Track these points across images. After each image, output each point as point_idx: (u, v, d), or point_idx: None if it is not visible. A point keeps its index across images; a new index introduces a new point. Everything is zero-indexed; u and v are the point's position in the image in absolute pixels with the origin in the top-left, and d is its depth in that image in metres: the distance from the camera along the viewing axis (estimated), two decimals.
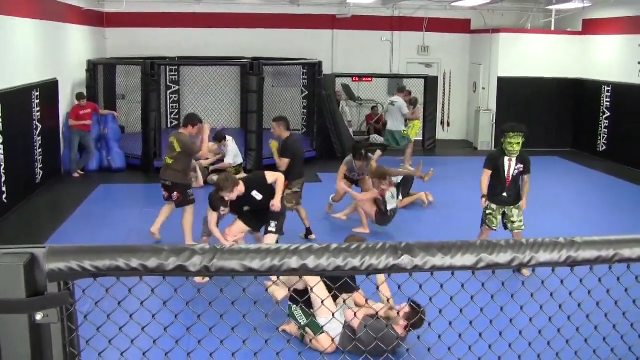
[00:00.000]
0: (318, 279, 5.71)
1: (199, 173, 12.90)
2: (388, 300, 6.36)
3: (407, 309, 5.95)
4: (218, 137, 13.42)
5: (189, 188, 9.38)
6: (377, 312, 6.18)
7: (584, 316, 2.27)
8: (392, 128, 15.31)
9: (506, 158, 8.46)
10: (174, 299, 2.15)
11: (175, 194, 9.19)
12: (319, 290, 5.80)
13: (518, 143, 8.35)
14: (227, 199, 7.96)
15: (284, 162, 9.33)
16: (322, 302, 5.87)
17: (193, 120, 9.46)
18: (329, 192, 11.46)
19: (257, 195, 8.12)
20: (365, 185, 10.78)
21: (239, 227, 8.38)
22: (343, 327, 6.08)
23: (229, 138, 13.70)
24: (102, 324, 1.87)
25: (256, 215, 8.39)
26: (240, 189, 7.94)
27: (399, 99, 15.37)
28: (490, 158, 8.70)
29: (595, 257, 1.71)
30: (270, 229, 8.28)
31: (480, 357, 2.17)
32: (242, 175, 11.28)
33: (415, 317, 5.74)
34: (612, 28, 17.13)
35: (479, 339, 2.20)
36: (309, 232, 9.88)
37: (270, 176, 8.20)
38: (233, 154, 13.74)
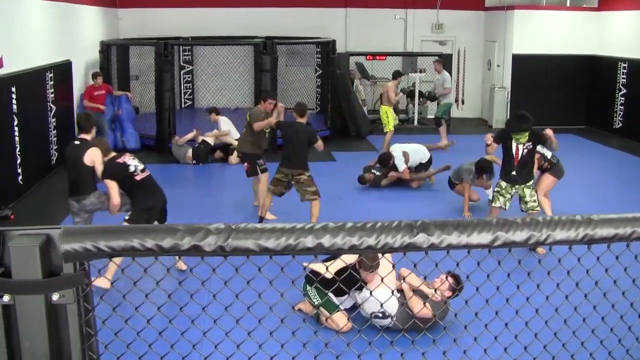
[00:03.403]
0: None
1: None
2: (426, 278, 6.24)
3: (450, 279, 5.88)
4: (212, 110, 13.95)
5: (258, 158, 9.47)
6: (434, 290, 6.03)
7: (600, 294, 2.25)
8: (450, 100, 15.98)
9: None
10: (188, 279, 2.16)
11: (245, 164, 9.37)
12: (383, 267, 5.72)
13: (525, 137, 8.32)
14: None
15: None
16: (382, 279, 5.80)
17: (266, 95, 9.77)
18: (343, 171, 11.41)
19: None
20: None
21: None
22: (402, 305, 5.94)
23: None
24: (118, 304, 1.87)
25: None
26: None
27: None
28: (501, 134, 8.61)
29: (612, 235, 1.69)
30: None
31: (497, 336, 2.17)
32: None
33: (458, 285, 5.68)
34: (628, 3, 16.88)
35: (495, 317, 2.20)
36: None
37: None
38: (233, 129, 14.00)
